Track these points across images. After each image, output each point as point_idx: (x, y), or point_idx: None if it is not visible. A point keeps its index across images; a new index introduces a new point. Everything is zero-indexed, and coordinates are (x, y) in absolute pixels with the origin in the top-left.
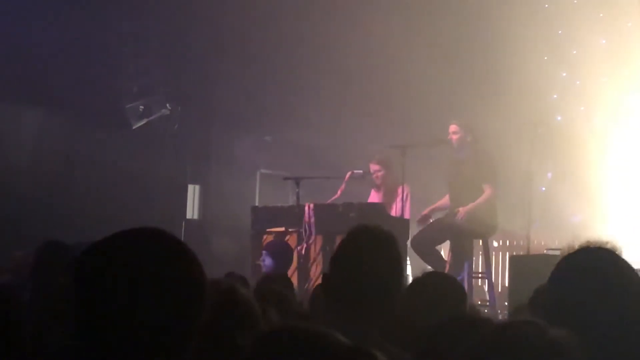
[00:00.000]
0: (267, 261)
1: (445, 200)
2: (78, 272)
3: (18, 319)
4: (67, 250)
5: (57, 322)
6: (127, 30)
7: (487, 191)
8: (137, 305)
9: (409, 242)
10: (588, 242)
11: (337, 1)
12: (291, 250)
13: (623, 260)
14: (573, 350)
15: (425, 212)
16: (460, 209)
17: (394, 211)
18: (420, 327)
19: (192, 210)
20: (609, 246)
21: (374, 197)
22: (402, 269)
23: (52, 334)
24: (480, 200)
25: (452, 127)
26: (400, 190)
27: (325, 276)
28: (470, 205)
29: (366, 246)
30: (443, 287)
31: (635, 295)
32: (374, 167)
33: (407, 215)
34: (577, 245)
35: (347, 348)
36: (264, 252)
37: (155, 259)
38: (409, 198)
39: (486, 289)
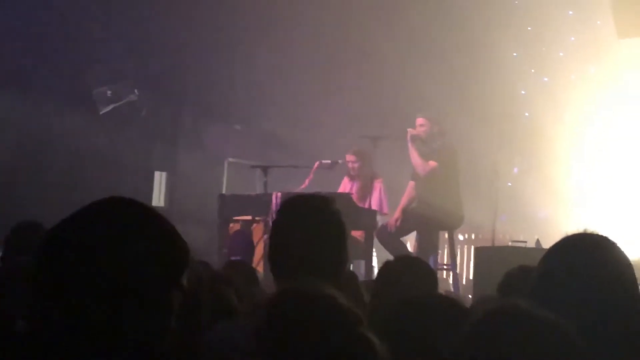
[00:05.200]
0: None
1: (410, 193)
2: (50, 245)
3: None
4: (41, 230)
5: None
6: (96, 15)
7: (431, 164)
8: (115, 273)
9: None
10: (585, 230)
11: None
12: (251, 243)
13: (618, 247)
14: (570, 331)
15: (397, 215)
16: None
17: (369, 203)
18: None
19: (158, 197)
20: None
21: (347, 187)
22: (341, 233)
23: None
24: (417, 159)
25: (419, 120)
26: (375, 184)
27: (267, 253)
28: (401, 204)
29: (298, 215)
30: (413, 270)
31: (627, 283)
32: (350, 157)
33: (385, 210)
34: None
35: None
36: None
37: (132, 225)
38: (385, 194)
39: (451, 281)
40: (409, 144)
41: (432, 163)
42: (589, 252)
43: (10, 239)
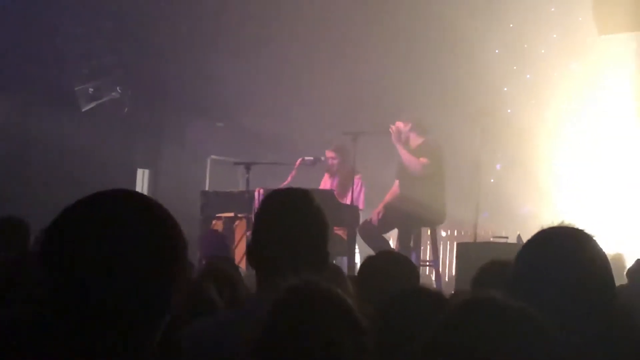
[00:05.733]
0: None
1: (394, 191)
2: (51, 239)
3: None
4: (23, 226)
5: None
6: (79, 11)
7: (422, 161)
8: (115, 266)
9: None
10: (561, 222)
11: None
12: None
13: (593, 240)
14: (542, 320)
15: (379, 209)
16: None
17: (348, 200)
18: (374, 303)
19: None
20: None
21: (327, 183)
22: (323, 227)
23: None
24: (408, 156)
25: (398, 124)
26: (355, 180)
27: (247, 246)
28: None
29: (279, 209)
30: (395, 265)
31: (602, 276)
32: (330, 154)
33: (361, 206)
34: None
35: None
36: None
37: (132, 218)
38: (362, 189)
39: (433, 277)
40: (396, 145)
41: (423, 160)
42: (564, 245)
43: None
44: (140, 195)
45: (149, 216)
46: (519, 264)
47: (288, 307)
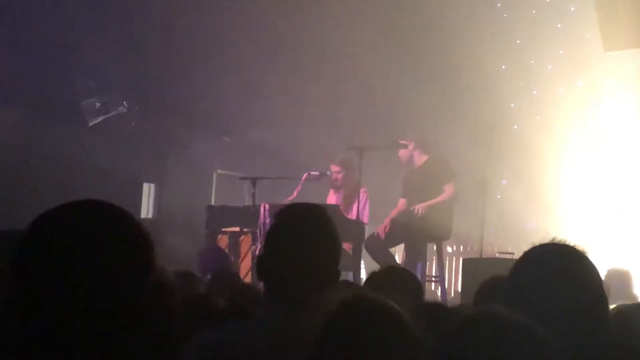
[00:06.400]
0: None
1: (400, 208)
2: (20, 249)
3: None
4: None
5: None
6: (85, 26)
7: (449, 189)
8: (81, 274)
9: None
10: (553, 239)
11: (300, 4)
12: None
13: (585, 257)
14: (541, 333)
15: (386, 223)
16: (418, 205)
17: (354, 214)
18: None
19: (147, 209)
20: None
21: (332, 198)
22: (335, 242)
23: None
24: (441, 198)
25: (401, 142)
26: (360, 193)
27: (258, 258)
28: (431, 202)
29: (292, 223)
30: (400, 280)
31: (592, 293)
32: (334, 168)
33: (365, 220)
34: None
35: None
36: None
37: (98, 227)
38: (367, 202)
39: (439, 292)
40: (423, 204)
41: (447, 187)
42: (555, 262)
43: None
44: (106, 204)
45: (114, 225)
46: (512, 280)
47: (342, 320)
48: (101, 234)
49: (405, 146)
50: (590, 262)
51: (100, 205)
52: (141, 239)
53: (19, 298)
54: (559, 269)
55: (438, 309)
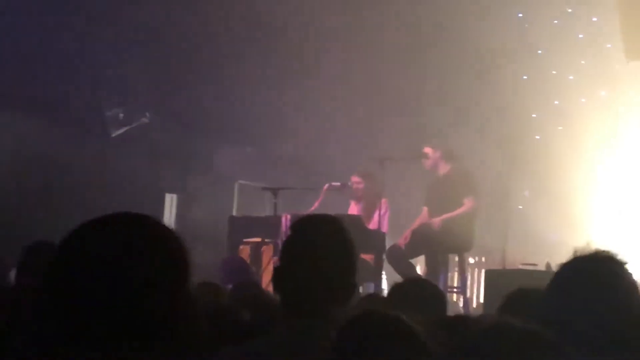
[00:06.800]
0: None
1: (423, 218)
2: (59, 259)
3: None
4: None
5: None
6: (108, 37)
7: (468, 204)
8: (120, 286)
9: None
10: (595, 250)
11: (323, 14)
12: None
13: (626, 267)
14: (554, 342)
15: (406, 234)
16: (435, 218)
17: (373, 224)
18: None
19: (169, 220)
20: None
21: (353, 209)
22: (350, 253)
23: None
24: (459, 211)
25: (426, 150)
26: (379, 204)
27: (275, 270)
28: (447, 215)
29: (307, 234)
30: (423, 292)
31: (635, 304)
32: (354, 179)
33: (384, 229)
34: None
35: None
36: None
37: (137, 239)
38: (387, 212)
39: (461, 304)
40: (440, 218)
41: (467, 201)
42: (599, 273)
43: (24, 260)
44: (143, 217)
45: (151, 238)
46: (552, 292)
47: (351, 335)
48: (141, 247)
49: (427, 157)
50: (630, 274)
51: (141, 218)
52: (180, 256)
53: (54, 309)
54: (602, 281)
55: (461, 322)
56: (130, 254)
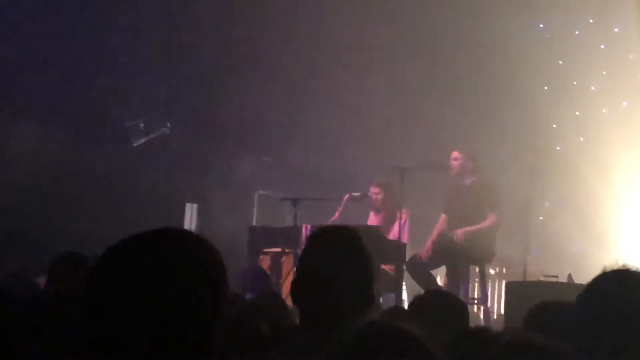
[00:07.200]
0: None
1: (440, 225)
2: (101, 273)
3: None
4: (82, 260)
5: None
6: (128, 47)
7: (491, 219)
8: (159, 302)
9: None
10: (623, 265)
11: (340, 26)
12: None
13: None
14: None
15: (427, 246)
16: (459, 230)
17: (393, 235)
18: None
19: (189, 229)
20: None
21: (373, 219)
22: (367, 263)
23: (65, 341)
24: (482, 225)
25: (454, 154)
26: (399, 215)
27: (292, 282)
28: (470, 228)
29: (324, 245)
30: (444, 304)
31: None
32: (373, 189)
33: (404, 240)
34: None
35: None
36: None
37: (177, 256)
38: (407, 223)
39: (482, 315)
40: (465, 229)
41: (490, 216)
42: (629, 288)
43: (53, 269)
44: (181, 232)
45: (190, 255)
46: (583, 308)
47: (358, 349)
48: (183, 264)
49: (449, 168)
50: None
51: (184, 234)
52: (220, 273)
53: (93, 318)
54: (631, 298)
55: (483, 334)
56: (172, 270)
